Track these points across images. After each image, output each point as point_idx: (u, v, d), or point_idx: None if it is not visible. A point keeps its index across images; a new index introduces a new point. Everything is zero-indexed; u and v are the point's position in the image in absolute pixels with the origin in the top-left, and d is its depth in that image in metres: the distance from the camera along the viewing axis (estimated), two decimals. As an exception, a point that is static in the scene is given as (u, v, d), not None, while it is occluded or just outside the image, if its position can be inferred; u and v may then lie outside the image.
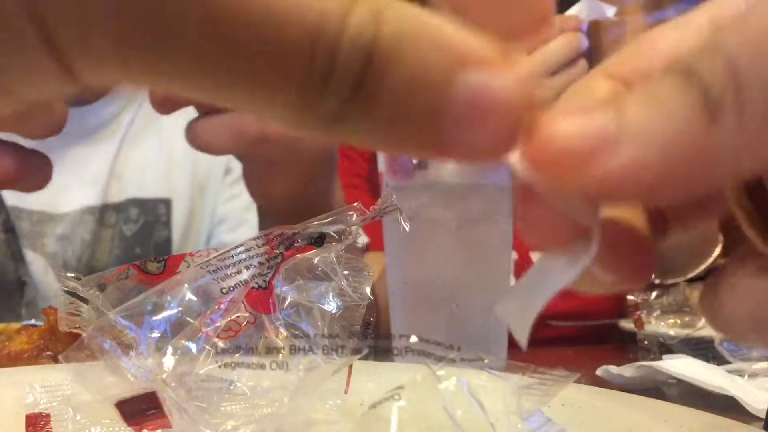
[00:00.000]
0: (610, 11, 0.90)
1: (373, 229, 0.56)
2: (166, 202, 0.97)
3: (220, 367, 0.32)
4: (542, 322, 1.06)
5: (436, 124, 0.15)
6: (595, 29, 0.89)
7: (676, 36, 0.22)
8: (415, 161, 0.58)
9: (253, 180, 0.62)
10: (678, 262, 1.00)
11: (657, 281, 1.02)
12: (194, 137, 0.55)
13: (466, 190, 0.57)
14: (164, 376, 0.31)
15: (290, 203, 0.63)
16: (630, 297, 0.76)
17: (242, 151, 0.56)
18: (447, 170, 0.57)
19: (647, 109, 0.16)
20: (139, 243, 0.94)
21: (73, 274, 0.33)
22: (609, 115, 0.17)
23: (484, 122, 0.15)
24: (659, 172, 0.16)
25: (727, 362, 0.59)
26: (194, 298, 0.33)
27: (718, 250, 0.99)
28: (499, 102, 0.15)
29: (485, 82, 0.15)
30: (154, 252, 0.95)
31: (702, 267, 0.97)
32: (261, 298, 0.34)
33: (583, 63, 0.87)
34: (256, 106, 0.15)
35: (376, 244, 0.71)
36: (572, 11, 0.90)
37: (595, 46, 0.91)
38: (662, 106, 0.16)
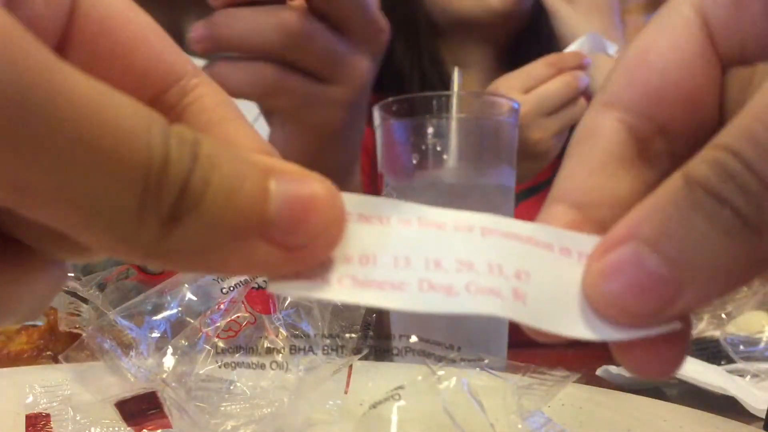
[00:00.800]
0: (612, 48, 0.89)
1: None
2: None
3: (220, 367, 0.32)
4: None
5: (261, 230, 0.16)
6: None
7: (667, 44, 0.22)
8: (415, 161, 0.58)
9: (272, 139, 0.62)
10: None
11: None
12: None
13: (466, 190, 0.57)
14: (164, 376, 0.31)
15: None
16: None
17: (258, 97, 0.56)
18: (447, 170, 0.57)
19: (692, 249, 0.18)
20: None
21: (72, 274, 0.33)
22: (653, 261, 0.18)
23: (308, 219, 0.17)
24: (723, 291, 0.18)
25: (732, 362, 0.59)
26: (194, 298, 0.33)
27: None
28: (314, 196, 0.17)
29: (296, 184, 0.17)
30: None
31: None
32: (261, 298, 0.34)
33: (581, 103, 0.87)
34: (82, 228, 0.15)
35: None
36: (573, 47, 0.89)
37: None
38: (706, 242, 0.17)
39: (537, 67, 0.87)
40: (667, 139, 0.22)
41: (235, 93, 0.55)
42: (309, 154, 0.60)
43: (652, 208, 0.18)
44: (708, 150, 0.18)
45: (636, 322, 0.19)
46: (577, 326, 0.20)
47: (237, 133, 0.20)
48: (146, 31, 0.20)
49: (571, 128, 0.97)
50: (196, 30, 0.54)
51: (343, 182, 0.65)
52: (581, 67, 0.86)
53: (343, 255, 0.19)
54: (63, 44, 0.20)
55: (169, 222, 0.15)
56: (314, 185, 0.17)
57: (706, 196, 0.17)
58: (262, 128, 0.64)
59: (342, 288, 0.19)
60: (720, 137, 0.17)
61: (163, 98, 0.21)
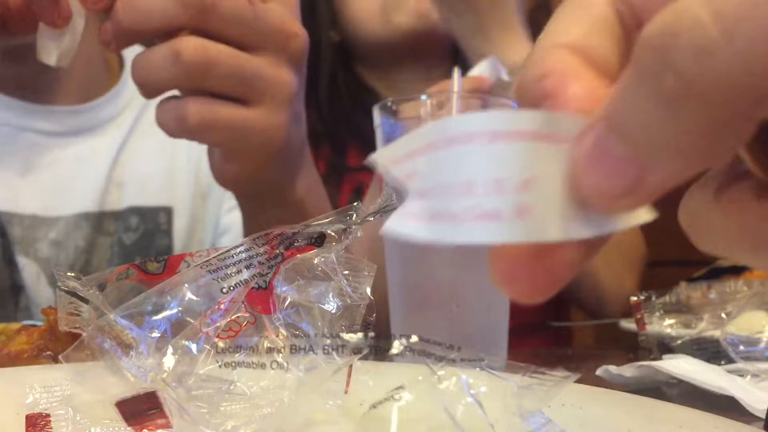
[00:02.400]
0: (504, 73, 0.87)
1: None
2: (167, 211, 0.95)
3: (220, 367, 0.32)
4: (542, 323, 1.06)
5: None
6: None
7: None
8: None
9: (210, 160, 0.60)
10: None
11: None
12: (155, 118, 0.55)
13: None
14: (164, 376, 0.31)
15: (247, 187, 0.62)
16: (632, 297, 0.76)
17: (191, 134, 0.55)
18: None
19: (642, 126, 0.17)
20: (138, 252, 0.92)
21: (72, 274, 0.33)
22: (613, 142, 0.18)
23: None
24: (688, 168, 0.17)
25: (732, 362, 0.59)
26: (194, 298, 0.33)
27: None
28: None
29: None
30: None
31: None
32: (261, 298, 0.34)
33: None
34: None
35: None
36: (475, 72, 0.88)
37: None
38: (653, 116, 0.17)
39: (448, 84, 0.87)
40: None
41: (173, 134, 0.54)
42: (254, 174, 0.59)
43: (617, 85, 0.18)
44: (660, 13, 0.17)
45: (609, 205, 0.18)
46: (566, 228, 0.19)
47: None
48: None
49: None
50: (104, 32, 0.53)
51: (286, 193, 0.64)
52: (485, 92, 0.85)
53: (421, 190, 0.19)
54: None
55: None
56: None
57: (651, 58, 0.16)
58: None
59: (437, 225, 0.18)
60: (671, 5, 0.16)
61: None
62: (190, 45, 0.50)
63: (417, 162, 0.20)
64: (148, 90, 0.53)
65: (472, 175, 0.19)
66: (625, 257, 1.01)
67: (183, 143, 0.62)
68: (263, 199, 0.65)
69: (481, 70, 0.85)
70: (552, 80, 0.21)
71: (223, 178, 0.61)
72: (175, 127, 0.53)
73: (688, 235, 0.21)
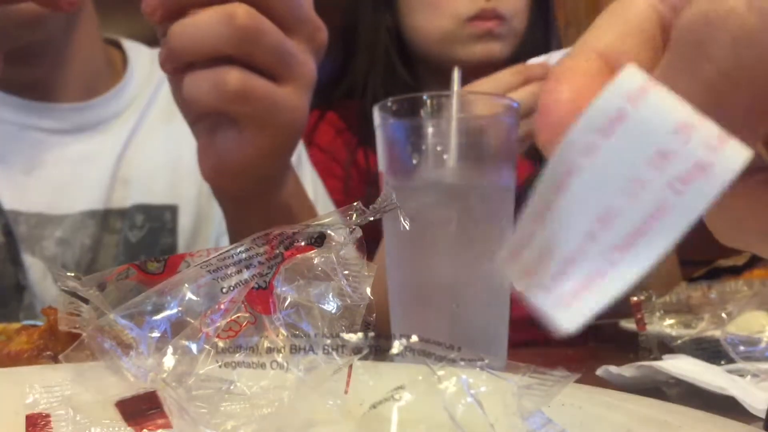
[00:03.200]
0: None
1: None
2: (173, 209, 0.95)
3: (220, 367, 0.32)
4: (543, 323, 1.06)
5: None
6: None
7: None
8: (414, 161, 0.58)
9: (217, 148, 0.60)
10: None
11: None
12: (175, 90, 0.56)
13: (466, 190, 0.57)
14: (164, 376, 0.31)
15: (236, 182, 0.62)
16: (633, 298, 0.76)
17: (225, 104, 0.55)
18: (447, 170, 0.57)
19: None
20: (144, 250, 0.92)
21: (72, 274, 0.33)
22: None
23: None
24: None
25: (732, 361, 0.59)
26: (194, 298, 0.33)
27: None
28: None
29: None
30: None
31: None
32: (261, 298, 0.34)
33: None
34: None
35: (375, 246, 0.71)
36: (541, 59, 0.89)
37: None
38: (692, 92, 0.17)
39: (505, 75, 0.88)
40: None
41: (202, 104, 0.54)
42: (270, 157, 0.59)
43: (658, 69, 0.19)
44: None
45: None
46: None
47: None
48: None
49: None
50: (161, 54, 0.54)
51: (280, 190, 0.64)
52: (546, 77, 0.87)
53: None
54: None
55: None
56: None
57: (689, 47, 0.17)
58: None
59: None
60: None
61: None
62: (244, 10, 0.52)
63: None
64: (192, 53, 0.53)
65: (680, 116, 0.17)
66: (663, 284, 1.01)
67: (189, 140, 0.62)
68: (248, 201, 0.65)
69: (546, 57, 0.87)
70: (549, 82, 0.21)
71: (212, 169, 0.61)
72: (213, 95, 0.53)
73: (704, 218, 0.21)
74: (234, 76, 0.53)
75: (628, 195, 0.17)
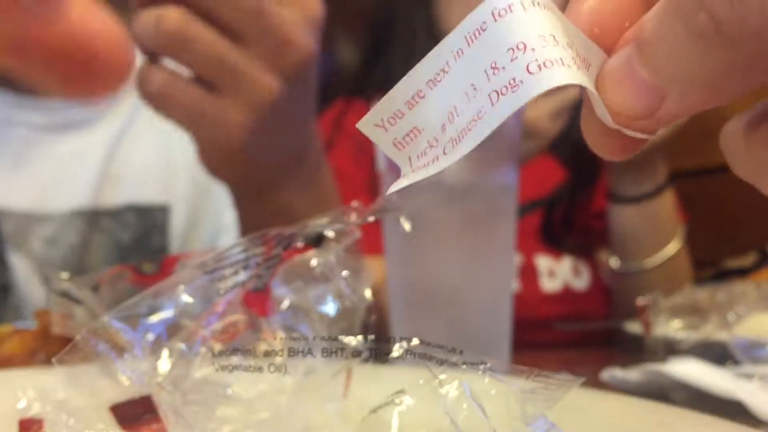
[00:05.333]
0: None
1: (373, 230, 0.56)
2: (165, 208, 0.94)
3: (216, 370, 0.31)
4: (546, 323, 1.05)
5: None
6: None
7: None
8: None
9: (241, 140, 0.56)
10: (632, 247, 1.01)
11: (616, 267, 1.02)
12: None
13: (468, 191, 0.57)
14: (160, 379, 0.31)
15: (239, 164, 0.59)
16: (639, 299, 0.76)
17: (148, 102, 0.54)
18: (448, 170, 0.56)
19: (670, 57, 0.18)
20: (134, 250, 0.91)
21: (65, 275, 0.33)
22: (639, 67, 0.19)
23: None
24: (705, 102, 0.19)
25: (739, 365, 0.58)
26: (190, 300, 0.33)
27: (676, 244, 1.00)
28: None
29: None
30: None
31: (659, 256, 0.98)
32: (258, 300, 0.34)
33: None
34: None
35: (376, 247, 0.71)
36: None
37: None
38: (682, 49, 0.18)
39: None
40: None
41: (143, 46, 0.53)
42: (253, 138, 0.55)
43: (653, 10, 0.19)
44: None
45: (628, 123, 0.20)
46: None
47: None
48: None
49: (574, 111, 0.98)
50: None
51: (294, 200, 0.63)
52: None
53: (440, 126, 0.20)
54: None
55: None
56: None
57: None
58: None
59: (448, 155, 0.20)
60: None
61: None
62: (173, 15, 0.50)
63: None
64: (140, 47, 0.53)
65: (519, 38, 0.18)
66: (674, 281, 1.01)
67: (182, 138, 0.61)
68: (255, 193, 0.64)
69: None
70: None
71: (199, 153, 0.60)
72: (140, 81, 0.53)
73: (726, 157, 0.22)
74: (157, 77, 0.52)
75: (468, 98, 0.19)
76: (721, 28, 0.17)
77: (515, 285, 1.01)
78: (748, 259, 1.03)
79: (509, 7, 0.19)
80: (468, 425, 0.28)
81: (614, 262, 1.05)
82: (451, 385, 0.28)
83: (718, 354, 0.62)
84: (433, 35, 1.14)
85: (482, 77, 0.19)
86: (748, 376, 0.54)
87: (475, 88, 0.19)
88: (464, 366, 0.29)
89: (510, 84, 0.18)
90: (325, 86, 1.18)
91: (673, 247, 1.01)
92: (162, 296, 0.32)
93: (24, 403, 0.31)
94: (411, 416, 0.29)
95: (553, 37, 0.18)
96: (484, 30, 0.19)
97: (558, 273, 1.07)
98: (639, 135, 0.20)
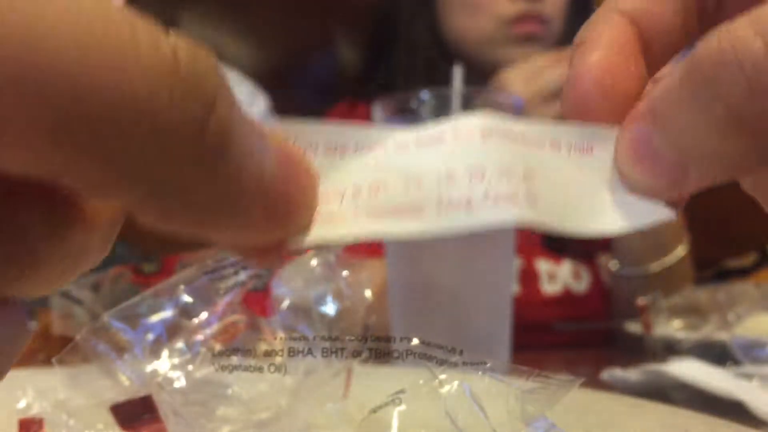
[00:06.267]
0: None
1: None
2: None
3: (216, 370, 0.31)
4: (547, 326, 1.05)
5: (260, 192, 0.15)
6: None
7: None
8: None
9: None
10: (637, 252, 1.01)
11: (616, 271, 1.02)
12: None
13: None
14: (160, 379, 0.31)
15: None
16: (639, 299, 0.76)
17: None
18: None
19: (691, 138, 0.18)
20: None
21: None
22: (661, 144, 0.19)
23: (296, 185, 0.17)
24: (727, 177, 0.19)
25: (739, 365, 0.58)
26: (190, 300, 0.33)
27: (681, 250, 1.00)
28: (302, 164, 0.17)
29: (285, 144, 0.17)
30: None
31: (665, 260, 0.98)
32: (259, 300, 0.34)
33: None
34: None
35: (376, 249, 0.71)
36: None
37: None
38: (702, 133, 0.18)
39: (541, 56, 0.88)
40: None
41: None
42: None
43: (666, 86, 0.19)
44: (719, 30, 0.17)
45: (650, 196, 0.20)
46: (579, 224, 0.20)
47: None
48: None
49: None
50: None
51: None
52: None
53: (351, 188, 0.18)
54: None
55: (201, 148, 0.14)
56: (296, 151, 0.17)
57: (704, 84, 0.17)
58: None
59: (359, 223, 0.18)
60: (738, 18, 0.17)
61: None
62: None
63: (396, 153, 0.19)
64: None
65: (478, 163, 0.19)
66: (676, 285, 1.01)
67: None
68: None
69: None
70: (578, 51, 0.21)
71: None
72: None
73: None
74: None
75: (406, 184, 0.19)
76: (742, 120, 0.17)
77: (516, 288, 1.01)
78: (748, 259, 1.03)
79: (470, 133, 0.19)
80: (468, 425, 0.28)
81: (613, 265, 1.04)
82: (451, 385, 0.28)
83: (718, 354, 0.62)
84: (435, 37, 1.14)
85: (431, 179, 0.18)
86: (748, 376, 0.54)
87: (418, 183, 0.18)
88: (464, 366, 0.29)
89: (465, 203, 0.18)
90: (329, 88, 1.18)
91: (678, 253, 1.01)
92: (162, 296, 0.32)
93: (24, 403, 0.31)
94: (411, 416, 0.29)
95: (508, 170, 0.19)
96: (441, 142, 0.19)
97: (558, 276, 1.06)
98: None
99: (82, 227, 0.16)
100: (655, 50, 0.22)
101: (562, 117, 0.22)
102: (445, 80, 0.64)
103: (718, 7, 0.23)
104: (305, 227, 0.18)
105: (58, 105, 0.12)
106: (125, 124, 0.13)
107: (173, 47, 0.13)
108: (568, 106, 0.21)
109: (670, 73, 0.19)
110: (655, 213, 0.20)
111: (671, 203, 0.20)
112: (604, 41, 0.21)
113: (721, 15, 0.23)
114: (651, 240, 1.01)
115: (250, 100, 1.16)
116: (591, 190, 0.20)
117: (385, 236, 0.18)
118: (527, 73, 0.87)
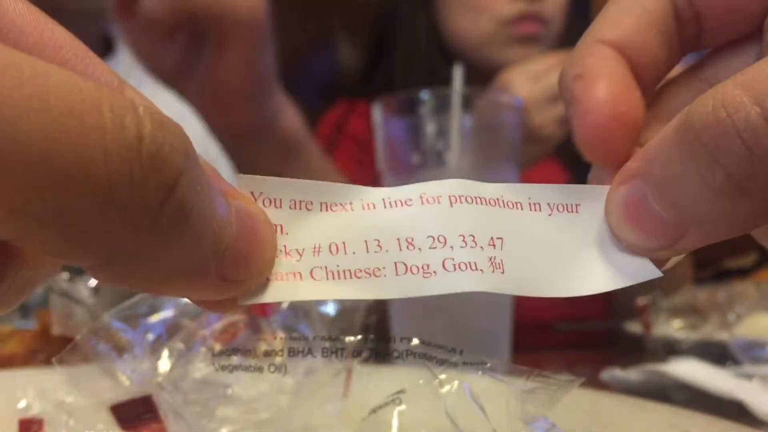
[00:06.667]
0: None
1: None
2: None
3: (216, 370, 0.31)
4: (547, 326, 1.05)
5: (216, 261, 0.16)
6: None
7: None
8: (415, 160, 0.57)
9: (202, 69, 0.62)
10: None
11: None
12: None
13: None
14: (160, 379, 0.31)
15: (240, 105, 0.65)
16: (639, 299, 0.75)
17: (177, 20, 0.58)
18: (447, 170, 0.56)
19: (689, 201, 0.18)
20: None
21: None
22: (658, 205, 0.19)
23: (254, 257, 0.17)
24: (725, 236, 0.19)
25: (739, 365, 0.58)
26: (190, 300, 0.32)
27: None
28: (262, 233, 0.17)
29: (245, 205, 0.17)
30: None
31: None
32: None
33: None
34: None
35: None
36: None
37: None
38: (700, 197, 0.18)
39: (544, 57, 0.88)
40: (700, 26, 0.22)
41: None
42: (249, 72, 0.62)
43: (659, 146, 0.19)
44: (714, 92, 0.17)
45: (644, 254, 0.20)
46: (556, 286, 0.20)
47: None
48: (60, 51, 0.18)
49: None
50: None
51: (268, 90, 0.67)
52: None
53: (311, 246, 0.18)
54: None
55: (150, 231, 0.14)
56: (257, 211, 0.17)
57: (702, 151, 0.17)
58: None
59: (316, 283, 0.18)
60: (731, 81, 0.17)
61: None
62: None
63: (361, 212, 0.19)
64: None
65: (441, 230, 0.19)
66: (674, 286, 1.01)
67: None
68: (249, 137, 0.68)
69: None
70: (581, 83, 0.21)
71: (208, 95, 0.64)
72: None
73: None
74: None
75: (366, 247, 0.19)
76: (743, 187, 0.17)
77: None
78: (748, 259, 1.03)
79: (437, 198, 0.19)
80: (468, 425, 0.28)
81: None
82: (451, 385, 0.28)
83: (718, 354, 0.62)
84: (434, 37, 1.14)
85: (392, 242, 0.19)
86: (748, 376, 0.54)
87: (379, 245, 0.19)
88: (464, 366, 0.29)
89: (423, 268, 0.18)
90: (328, 87, 1.18)
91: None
92: (162, 296, 0.32)
93: (24, 403, 0.31)
94: (411, 416, 0.29)
95: (473, 237, 0.19)
96: (408, 205, 0.19)
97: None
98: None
99: (30, 266, 0.17)
100: (642, 79, 0.22)
101: (566, 119, 0.22)
102: (445, 80, 0.64)
103: (698, 35, 0.23)
104: (260, 285, 0.18)
105: (18, 180, 0.13)
106: (84, 200, 0.13)
107: (138, 126, 0.14)
108: (584, 137, 0.21)
109: (662, 132, 0.19)
110: (643, 271, 0.20)
111: (660, 262, 0.20)
112: (606, 72, 0.21)
113: (702, 43, 0.23)
114: None
115: None
116: (574, 249, 0.20)
117: (343, 298, 0.19)
118: (531, 74, 0.86)
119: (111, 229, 0.14)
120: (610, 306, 1.07)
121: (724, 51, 0.23)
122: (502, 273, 0.19)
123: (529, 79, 0.87)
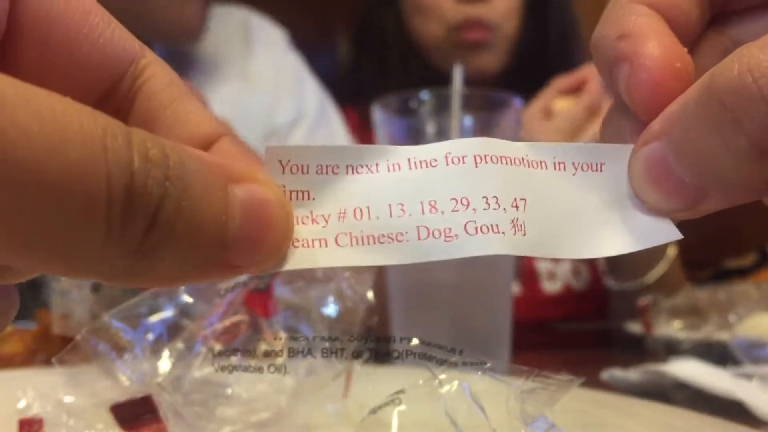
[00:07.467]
0: None
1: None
2: None
3: (216, 370, 0.31)
4: (547, 326, 1.05)
5: (222, 241, 0.16)
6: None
7: None
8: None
9: None
10: (631, 267, 1.01)
11: (613, 286, 1.03)
12: None
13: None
14: (160, 379, 0.31)
15: None
16: (639, 300, 0.75)
17: None
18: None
19: (711, 164, 0.18)
20: None
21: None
22: (679, 168, 0.19)
23: (263, 240, 0.17)
24: (744, 200, 0.19)
25: (740, 365, 0.58)
26: (190, 300, 0.33)
27: (671, 251, 1.00)
28: (271, 212, 0.17)
29: (256, 191, 0.17)
30: None
31: (655, 270, 0.98)
32: (259, 300, 0.34)
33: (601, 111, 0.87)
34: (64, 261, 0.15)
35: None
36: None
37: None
38: (723, 160, 0.18)
39: (578, 112, 0.87)
40: None
41: None
42: None
43: (682, 109, 0.19)
44: (739, 55, 0.17)
45: (666, 215, 0.20)
46: (576, 247, 0.20)
47: (188, 114, 0.20)
48: (89, 16, 0.19)
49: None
50: None
51: None
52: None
53: (337, 211, 0.19)
54: (7, 44, 0.18)
55: (137, 254, 0.15)
56: (269, 195, 0.17)
57: (726, 116, 0.17)
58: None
59: (340, 249, 0.18)
60: (757, 45, 0.17)
61: (117, 87, 0.20)
62: None
63: (386, 175, 0.19)
64: None
65: (465, 192, 0.19)
66: (672, 288, 1.01)
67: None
68: None
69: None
70: (629, 42, 0.21)
71: None
72: None
73: None
74: None
75: (390, 210, 0.19)
76: (766, 151, 0.17)
77: (516, 288, 1.01)
78: (748, 259, 1.03)
79: (462, 158, 0.19)
80: (468, 425, 0.28)
81: (610, 284, 1.04)
82: (451, 385, 0.28)
83: (719, 354, 0.62)
84: (403, 40, 1.14)
85: (415, 205, 0.19)
86: (748, 376, 0.54)
87: (402, 209, 0.19)
88: (464, 366, 0.29)
89: (445, 232, 0.18)
90: (328, 87, 1.18)
91: (669, 256, 1.01)
92: (162, 296, 0.32)
93: (24, 402, 0.31)
94: (411, 416, 0.29)
95: (496, 199, 0.19)
96: (433, 166, 0.19)
97: (558, 274, 1.06)
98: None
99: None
100: (678, 38, 0.22)
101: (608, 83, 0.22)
102: (421, 80, 0.64)
103: None
104: (279, 259, 0.18)
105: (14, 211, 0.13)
106: (80, 241, 0.14)
107: (129, 164, 0.14)
108: (640, 94, 0.21)
109: (685, 94, 0.19)
110: (663, 233, 0.20)
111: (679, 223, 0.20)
112: (652, 30, 0.21)
113: (730, 2, 0.23)
114: (642, 252, 1.01)
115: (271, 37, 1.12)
116: (596, 210, 0.20)
117: (363, 265, 0.19)
118: (561, 124, 0.86)
119: (101, 257, 0.14)
120: (610, 306, 1.07)
121: (750, 11, 0.23)
122: (524, 235, 0.19)
123: (541, 118, 0.87)
